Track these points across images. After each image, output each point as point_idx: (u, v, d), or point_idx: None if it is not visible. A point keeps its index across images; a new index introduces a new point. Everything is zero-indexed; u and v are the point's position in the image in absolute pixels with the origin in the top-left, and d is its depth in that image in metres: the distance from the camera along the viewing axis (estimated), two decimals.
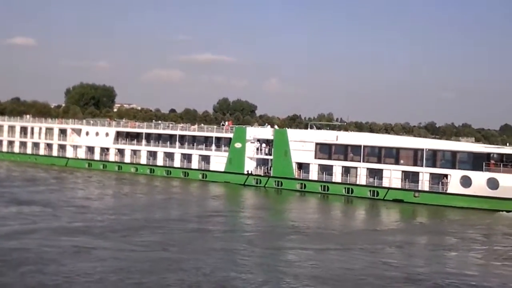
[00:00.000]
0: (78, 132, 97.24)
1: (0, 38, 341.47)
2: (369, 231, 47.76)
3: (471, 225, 52.24)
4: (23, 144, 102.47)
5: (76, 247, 35.53)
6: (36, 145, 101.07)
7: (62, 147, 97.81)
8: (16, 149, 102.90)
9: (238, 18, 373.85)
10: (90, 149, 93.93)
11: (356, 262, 34.98)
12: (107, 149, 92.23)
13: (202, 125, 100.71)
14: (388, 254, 38.13)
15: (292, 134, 76.31)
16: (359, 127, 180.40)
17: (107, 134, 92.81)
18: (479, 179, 61.72)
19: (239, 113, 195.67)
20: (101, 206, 54.78)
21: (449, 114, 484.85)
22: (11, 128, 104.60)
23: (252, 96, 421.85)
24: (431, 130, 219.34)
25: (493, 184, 60.82)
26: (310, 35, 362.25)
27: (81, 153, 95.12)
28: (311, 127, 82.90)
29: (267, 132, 80.00)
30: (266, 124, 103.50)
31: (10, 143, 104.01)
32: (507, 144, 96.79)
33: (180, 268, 31.74)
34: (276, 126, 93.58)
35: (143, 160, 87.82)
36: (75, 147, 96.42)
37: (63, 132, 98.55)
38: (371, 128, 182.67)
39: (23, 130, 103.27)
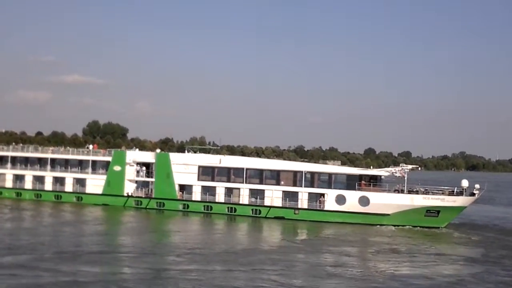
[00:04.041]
0: None
1: None
2: (253, 248, 49.87)
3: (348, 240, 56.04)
4: None
5: None
6: None
7: None
8: None
9: (106, 39, 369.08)
10: None
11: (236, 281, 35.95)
12: None
13: (68, 148, 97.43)
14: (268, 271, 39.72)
15: (175, 157, 78.01)
16: (231, 150, 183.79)
17: None
18: (352, 197, 68.21)
19: (110, 136, 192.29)
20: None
21: (316, 138, 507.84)
22: None
23: (123, 119, 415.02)
24: (300, 153, 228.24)
25: (364, 201, 67.50)
26: (180, 56, 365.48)
27: None
28: (188, 151, 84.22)
29: (147, 156, 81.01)
30: (134, 147, 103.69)
31: None
32: (371, 166, 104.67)
33: None
34: (158, 150, 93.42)
35: (8, 184, 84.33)
36: None
37: None
38: (242, 151, 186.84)
39: None
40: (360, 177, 70.25)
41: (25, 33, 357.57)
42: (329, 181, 70.47)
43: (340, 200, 68.47)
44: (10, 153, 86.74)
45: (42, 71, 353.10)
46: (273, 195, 70.93)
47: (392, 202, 66.94)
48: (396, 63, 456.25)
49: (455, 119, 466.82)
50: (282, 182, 71.46)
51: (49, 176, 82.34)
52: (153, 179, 76.72)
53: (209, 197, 73.40)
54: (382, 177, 70.60)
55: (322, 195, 69.50)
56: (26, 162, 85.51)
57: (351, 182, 69.37)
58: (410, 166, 72.05)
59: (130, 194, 77.44)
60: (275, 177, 72.42)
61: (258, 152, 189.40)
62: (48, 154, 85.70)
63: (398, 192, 67.92)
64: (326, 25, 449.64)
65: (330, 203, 68.83)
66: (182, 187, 75.34)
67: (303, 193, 70.08)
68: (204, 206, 73.30)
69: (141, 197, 76.93)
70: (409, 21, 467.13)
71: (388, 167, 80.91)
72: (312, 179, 70.89)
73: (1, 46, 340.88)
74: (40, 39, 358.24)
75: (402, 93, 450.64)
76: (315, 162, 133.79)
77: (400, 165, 73.97)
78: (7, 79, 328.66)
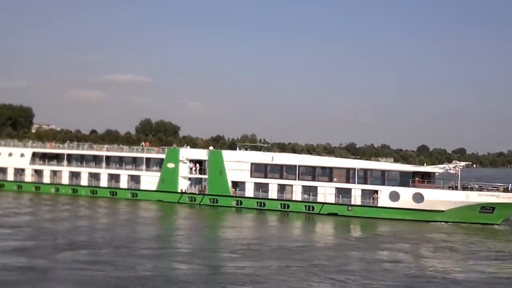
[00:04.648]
0: None
1: None
2: (308, 245, 49.93)
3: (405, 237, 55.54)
4: None
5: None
6: None
7: None
8: None
9: (158, 39, 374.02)
10: (2, 170, 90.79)
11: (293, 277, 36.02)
12: (23, 169, 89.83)
13: (122, 146, 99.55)
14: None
15: (227, 154, 79.10)
16: (282, 147, 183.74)
17: (22, 155, 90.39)
18: (406, 194, 67.89)
19: (162, 134, 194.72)
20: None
21: (368, 136, 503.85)
22: None
23: (176, 117, 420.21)
24: (352, 151, 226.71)
25: (418, 198, 67.04)
26: (231, 55, 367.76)
27: None
28: (239, 149, 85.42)
29: (200, 153, 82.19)
30: (186, 145, 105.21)
31: None
32: (425, 164, 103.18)
33: None
34: (211, 148, 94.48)
35: (65, 180, 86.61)
36: None
37: None
38: (293, 148, 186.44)
39: None
40: (414, 174, 70.13)
41: (77, 34, 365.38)
42: (382, 178, 70.47)
43: (394, 196, 68.25)
44: (66, 151, 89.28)
45: (95, 70, 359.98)
46: (326, 192, 71.27)
47: (447, 198, 66.32)
48: (453, 62, 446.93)
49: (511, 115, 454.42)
50: (335, 179, 71.88)
51: (104, 173, 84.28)
52: (206, 176, 77.93)
53: (262, 194, 74.20)
54: (436, 174, 70.06)
55: (376, 191, 69.53)
56: (82, 159, 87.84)
57: (405, 179, 69.28)
58: (463, 163, 71.21)
59: (184, 190, 78.79)
60: (328, 174, 72.86)
61: (309, 150, 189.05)
62: (103, 151, 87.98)
63: (452, 189, 67.40)
64: (386, 24, 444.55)
65: (383, 200, 68.71)
66: (235, 184, 76.35)
67: (356, 190, 70.28)
68: (257, 202, 74.12)
69: (194, 194, 78.18)
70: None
71: (442, 164, 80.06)
72: (365, 176, 71.13)
73: (56, 48, 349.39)
74: (92, 40, 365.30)
75: (456, 90, 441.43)
76: (367, 159, 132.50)
77: (453, 162, 72.95)
78: (62, 79, 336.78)
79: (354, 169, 71.41)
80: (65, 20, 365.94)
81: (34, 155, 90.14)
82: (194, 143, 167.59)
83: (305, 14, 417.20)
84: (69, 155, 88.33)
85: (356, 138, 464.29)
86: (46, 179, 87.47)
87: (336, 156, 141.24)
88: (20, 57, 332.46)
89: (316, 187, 71.95)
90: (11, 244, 43.05)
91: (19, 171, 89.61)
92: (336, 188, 71.13)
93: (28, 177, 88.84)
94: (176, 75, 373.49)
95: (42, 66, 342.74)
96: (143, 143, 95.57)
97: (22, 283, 31.53)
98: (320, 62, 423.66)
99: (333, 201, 70.83)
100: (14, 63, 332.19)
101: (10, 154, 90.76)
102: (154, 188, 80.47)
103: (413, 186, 68.15)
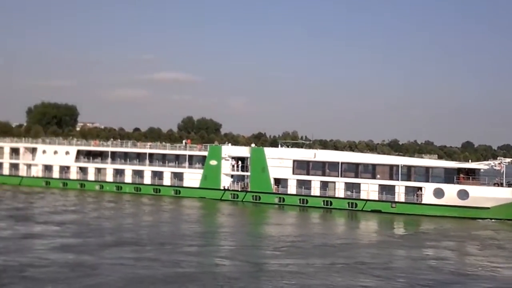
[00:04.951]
0: (31, 150, 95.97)
1: None
2: (351, 242, 49.78)
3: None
4: None
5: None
6: None
7: (14, 166, 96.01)
8: None
9: (203, 37, 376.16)
10: (48, 168, 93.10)
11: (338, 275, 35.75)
12: (68, 167, 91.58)
13: (164, 143, 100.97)
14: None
15: (270, 152, 79.33)
16: (324, 144, 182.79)
17: (67, 153, 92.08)
18: (451, 191, 67.26)
19: (204, 131, 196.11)
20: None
21: (411, 132, 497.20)
22: None
23: (217, 115, 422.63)
24: (395, 147, 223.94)
25: (463, 195, 66.36)
26: (271, 52, 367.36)
27: (36, 172, 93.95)
28: (281, 146, 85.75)
29: (242, 150, 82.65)
30: (227, 142, 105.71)
31: None
32: (469, 160, 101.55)
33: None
34: (253, 145, 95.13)
35: (109, 177, 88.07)
36: (29, 165, 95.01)
37: (14, 151, 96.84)
38: (335, 145, 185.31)
39: None
40: (459, 170, 69.50)
41: (128, 32, 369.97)
42: (427, 174, 69.84)
43: (438, 193, 67.61)
44: (110, 149, 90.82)
45: (140, 69, 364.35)
46: (369, 189, 71.02)
47: (492, 195, 65.36)
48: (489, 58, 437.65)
49: None
50: (378, 176, 71.58)
51: (147, 170, 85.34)
52: (248, 173, 78.37)
53: (305, 191, 74.28)
54: (481, 170, 69.21)
55: (420, 188, 68.94)
56: (125, 157, 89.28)
57: (449, 176, 68.66)
58: (509, 159, 70.33)
59: (226, 187, 79.33)
60: (371, 170, 72.59)
61: (351, 146, 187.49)
62: (147, 149, 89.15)
63: (498, 186, 66.50)
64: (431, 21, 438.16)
65: (428, 197, 68.08)
66: (277, 181, 76.53)
67: (400, 187, 69.75)
68: (300, 199, 74.14)
69: (237, 191, 78.67)
70: None
71: (487, 160, 78.98)
72: (408, 173, 70.55)
73: (102, 46, 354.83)
74: (140, 38, 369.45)
75: (502, 86, 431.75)
76: (410, 156, 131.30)
77: (498, 158, 71.88)
78: (108, 78, 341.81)
79: (398, 166, 70.81)
80: (118, 22, 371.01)
81: (79, 153, 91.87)
82: (235, 141, 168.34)
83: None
84: (113, 153, 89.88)
85: (399, 135, 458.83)
86: (91, 176, 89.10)
87: (378, 153, 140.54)
88: (67, 58, 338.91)
89: (359, 184, 71.77)
90: (58, 241, 43.90)
91: (64, 169, 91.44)
92: (380, 185, 70.80)
93: (73, 174, 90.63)
94: (221, 72, 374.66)
95: (87, 66, 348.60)
96: (185, 141, 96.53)
97: (70, 279, 32.12)
98: (368, 57, 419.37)
99: (377, 198, 70.56)
100: (60, 63, 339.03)
101: (55, 152, 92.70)
102: (197, 185, 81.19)
103: (458, 183, 67.27)
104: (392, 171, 70.97)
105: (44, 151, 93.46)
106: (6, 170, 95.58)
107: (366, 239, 51.61)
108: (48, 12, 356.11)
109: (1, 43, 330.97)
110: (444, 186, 67.61)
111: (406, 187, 69.61)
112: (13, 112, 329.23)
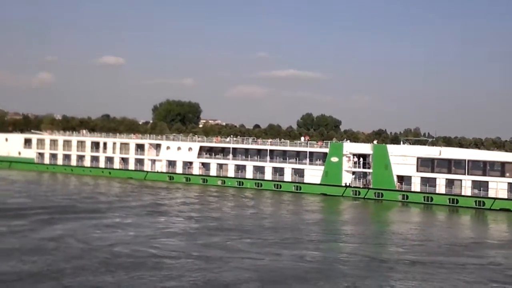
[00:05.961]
0: (155, 146, 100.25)
1: (92, 58, 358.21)
2: (481, 242, 48.48)
3: None
4: (94, 158, 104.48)
5: None
6: (109, 159, 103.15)
7: (139, 161, 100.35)
8: (87, 163, 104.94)
9: (321, 33, 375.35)
10: (171, 163, 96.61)
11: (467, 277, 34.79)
12: (191, 163, 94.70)
13: (283, 140, 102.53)
14: None
15: (392, 149, 78.77)
16: (448, 142, 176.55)
17: (190, 149, 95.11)
18: None
19: (323, 128, 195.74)
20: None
21: None
22: (80, 143, 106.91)
23: (336, 111, 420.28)
24: None
25: None
26: (396, 49, 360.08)
27: (160, 167, 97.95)
28: (403, 143, 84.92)
29: (364, 147, 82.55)
30: (346, 139, 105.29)
31: (80, 157, 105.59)
32: None
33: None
34: (375, 142, 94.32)
35: (231, 173, 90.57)
36: (154, 161, 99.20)
37: (139, 146, 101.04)
38: (460, 143, 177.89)
39: (95, 145, 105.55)
40: None
41: (242, 30, 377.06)
42: None
43: None
44: (232, 145, 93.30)
45: (259, 67, 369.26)
46: (498, 187, 68.84)
47: None
48: None
49: None
50: (508, 174, 69.20)
51: (268, 166, 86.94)
52: (370, 170, 77.96)
53: (429, 188, 73.02)
54: None
55: None
56: (246, 153, 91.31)
57: None
58: None
59: (348, 184, 79.36)
60: (500, 168, 70.24)
61: (477, 144, 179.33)
62: (267, 146, 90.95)
63: None
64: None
65: None
66: (401, 178, 75.64)
67: None
68: (424, 197, 73.03)
69: (359, 187, 78.51)
70: None
71: None
72: None
73: (221, 44, 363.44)
74: (258, 37, 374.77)
75: None
76: None
77: None
78: (229, 76, 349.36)
79: None
80: (232, 23, 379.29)
81: (201, 149, 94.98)
82: (355, 137, 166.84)
83: None
84: (234, 149, 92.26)
85: None
86: (213, 171, 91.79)
87: (506, 151, 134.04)
88: (187, 58, 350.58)
89: (487, 182, 69.62)
90: (186, 232, 45.87)
91: (187, 164, 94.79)
92: (509, 183, 68.43)
93: (196, 170, 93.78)
94: (343, 69, 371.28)
95: (208, 65, 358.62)
96: (303, 137, 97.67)
97: (203, 270, 33.35)
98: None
99: (506, 197, 68.14)
100: (183, 63, 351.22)
101: (178, 148, 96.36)
102: (318, 182, 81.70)
103: None
104: None
105: (168, 147, 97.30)
106: (131, 165, 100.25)
107: (496, 239, 49.93)
108: (175, 13, 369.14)
109: (130, 44, 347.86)
110: None
111: None
112: (140, 110, 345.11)
